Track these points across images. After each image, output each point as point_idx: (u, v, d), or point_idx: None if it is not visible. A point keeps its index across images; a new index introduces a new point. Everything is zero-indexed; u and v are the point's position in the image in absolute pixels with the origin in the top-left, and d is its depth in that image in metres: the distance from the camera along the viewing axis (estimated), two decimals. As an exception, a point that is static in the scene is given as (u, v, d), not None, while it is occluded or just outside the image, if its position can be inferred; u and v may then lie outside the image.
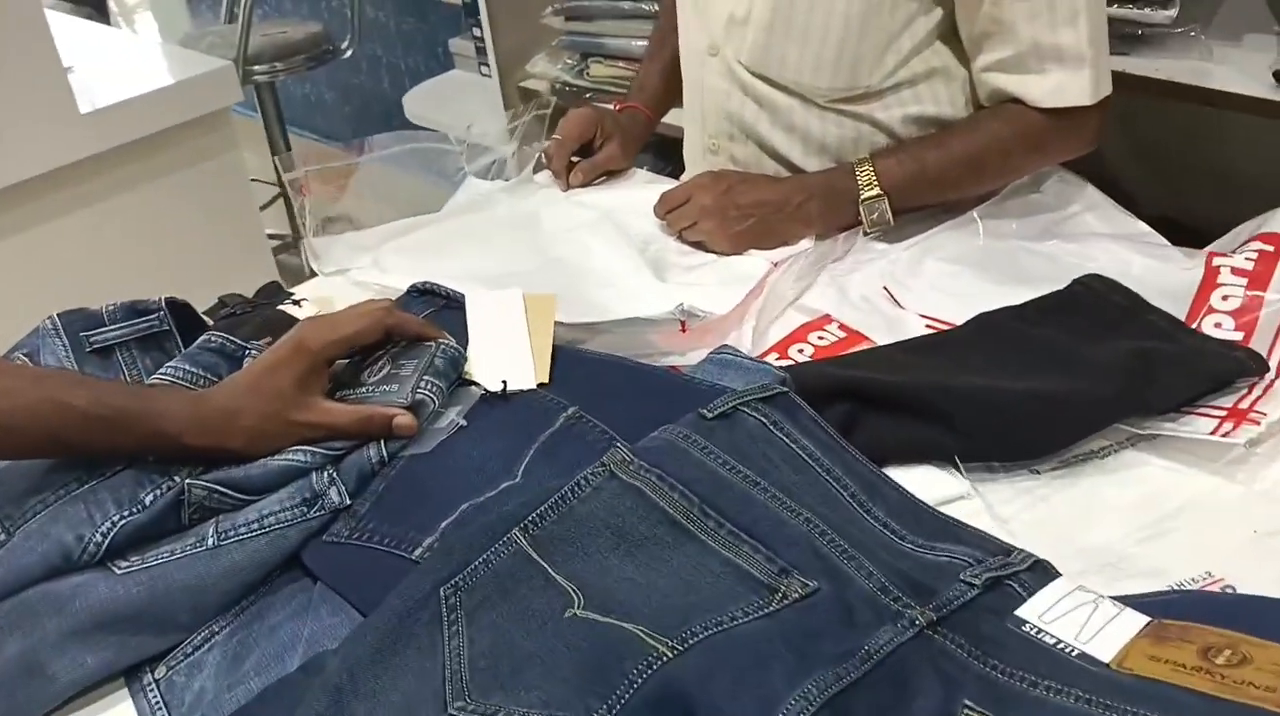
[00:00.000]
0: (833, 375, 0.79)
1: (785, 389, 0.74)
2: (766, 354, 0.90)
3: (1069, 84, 0.99)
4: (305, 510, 0.71)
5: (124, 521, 0.70)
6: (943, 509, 0.74)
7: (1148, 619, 0.58)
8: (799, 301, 0.97)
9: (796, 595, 0.60)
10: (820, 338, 0.91)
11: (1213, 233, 0.96)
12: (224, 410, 0.72)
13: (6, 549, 0.70)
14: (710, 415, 0.71)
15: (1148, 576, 0.66)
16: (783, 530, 0.64)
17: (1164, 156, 1.52)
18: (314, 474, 0.73)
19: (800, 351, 0.90)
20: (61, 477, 0.73)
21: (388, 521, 0.72)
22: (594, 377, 0.81)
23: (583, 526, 0.64)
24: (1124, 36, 1.34)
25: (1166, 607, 0.60)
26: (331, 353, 0.77)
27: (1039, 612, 0.59)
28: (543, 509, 0.65)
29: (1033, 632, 0.58)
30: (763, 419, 0.71)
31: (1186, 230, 1.02)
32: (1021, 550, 0.64)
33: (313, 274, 1.09)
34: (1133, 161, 1.49)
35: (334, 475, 0.73)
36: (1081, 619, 0.58)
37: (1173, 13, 1.32)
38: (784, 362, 0.88)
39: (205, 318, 0.96)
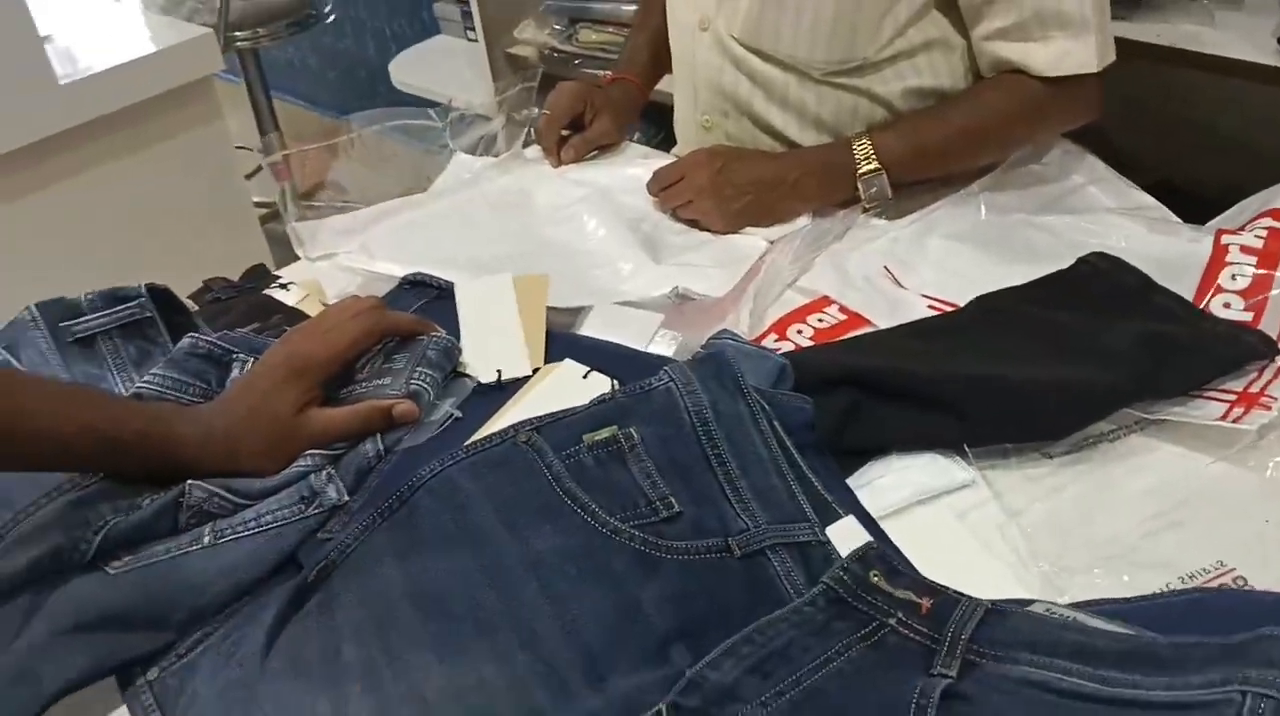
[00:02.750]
0: (835, 362, 0.78)
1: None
2: (764, 335, 0.88)
3: (1073, 51, 0.97)
4: (303, 508, 0.70)
5: (117, 520, 0.68)
6: (948, 497, 0.73)
7: None
8: (797, 282, 0.95)
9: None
10: (820, 320, 0.89)
11: (1214, 200, 0.95)
12: (228, 437, 0.72)
13: (-2, 552, 0.68)
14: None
15: (1157, 567, 0.65)
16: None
17: (1163, 123, 1.49)
18: (313, 473, 0.71)
19: (799, 332, 0.88)
20: (55, 480, 0.71)
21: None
22: (589, 363, 0.79)
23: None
24: (1123, 0, 1.32)
25: (1167, 610, 0.59)
26: (327, 370, 0.76)
27: None
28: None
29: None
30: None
31: (1187, 197, 1.00)
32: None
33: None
34: (1131, 128, 1.47)
35: (332, 473, 0.72)
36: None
37: (1174, -24, 1.29)
38: (782, 344, 0.87)
39: (189, 302, 0.94)
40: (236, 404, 0.73)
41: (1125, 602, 0.59)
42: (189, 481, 0.70)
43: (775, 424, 0.69)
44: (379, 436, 0.74)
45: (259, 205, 2.09)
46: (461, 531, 0.62)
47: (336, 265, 1.01)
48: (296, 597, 0.63)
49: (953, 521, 0.71)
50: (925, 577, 0.59)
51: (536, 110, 1.20)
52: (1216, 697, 0.48)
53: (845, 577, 0.57)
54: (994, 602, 0.56)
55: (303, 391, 0.73)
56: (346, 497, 0.71)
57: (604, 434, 0.67)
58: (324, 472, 0.72)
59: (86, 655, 0.65)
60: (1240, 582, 0.63)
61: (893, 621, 0.56)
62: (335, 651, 0.58)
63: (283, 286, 1.01)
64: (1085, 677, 0.51)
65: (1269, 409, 0.72)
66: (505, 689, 0.54)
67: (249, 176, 2.44)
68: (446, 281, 0.88)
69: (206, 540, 0.68)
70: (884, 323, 0.87)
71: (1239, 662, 0.49)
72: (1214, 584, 0.63)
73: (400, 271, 0.94)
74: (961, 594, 0.57)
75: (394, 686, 0.55)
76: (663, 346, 0.82)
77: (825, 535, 0.64)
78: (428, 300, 0.89)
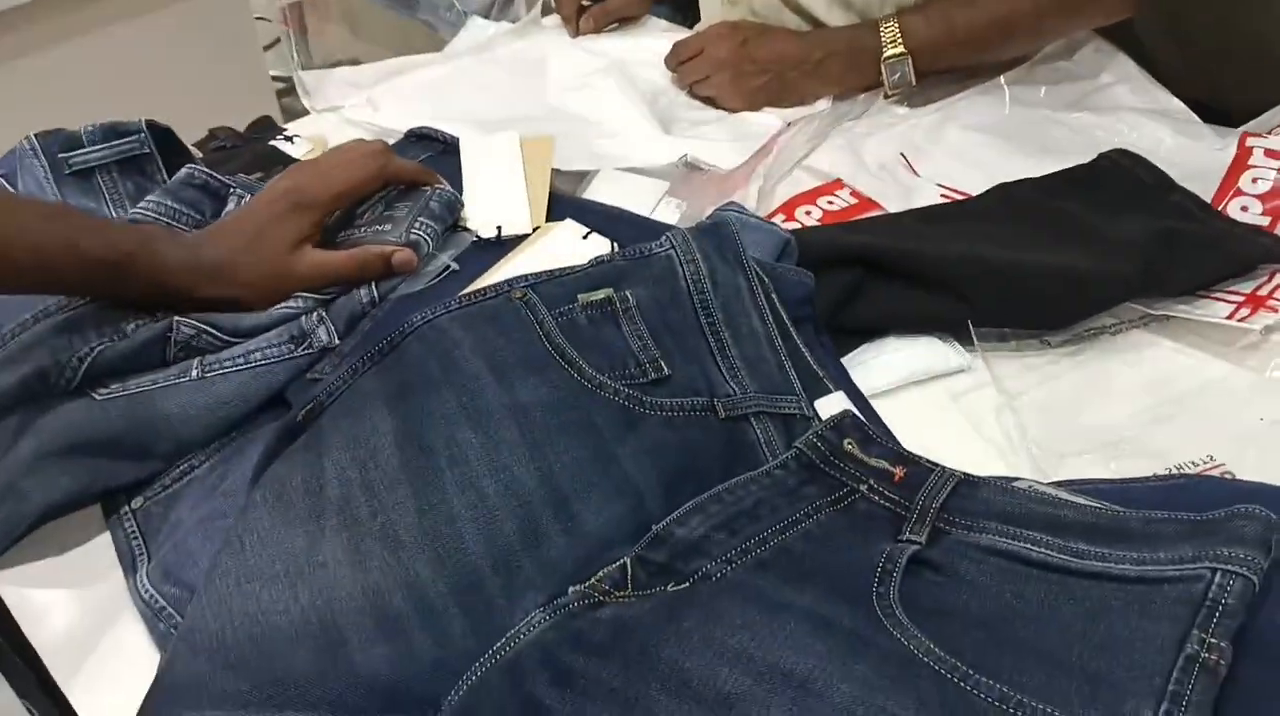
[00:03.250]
0: (840, 241, 0.76)
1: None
2: (773, 215, 0.86)
3: None
4: (293, 347, 0.70)
5: (104, 346, 0.68)
6: (944, 380, 0.72)
7: None
8: (810, 163, 0.93)
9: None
10: (830, 203, 0.87)
11: (1246, 113, 0.92)
12: (220, 263, 0.70)
13: (-17, 371, 0.68)
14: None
15: (1148, 457, 0.65)
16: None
17: (1200, 32, 1.44)
18: (303, 315, 0.71)
19: (808, 213, 0.87)
20: (42, 300, 0.70)
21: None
22: (591, 226, 0.78)
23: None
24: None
25: (1148, 493, 0.58)
26: (329, 209, 0.74)
27: None
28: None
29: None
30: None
31: (1219, 114, 0.97)
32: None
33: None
34: (1166, 37, 1.42)
35: (323, 315, 0.71)
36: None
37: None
38: (790, 225, 0.85)
39: (194, 149, 0.92)
40: (232, 232, 0.72)
41: (1107, 483, 0.58)
42: (176, 317, 0.69)
43: (773, 298, 0.68)
44: (373, 283, 0.73)
45: (276, 79, 2.06)
46: (447, 377, 0.61)
47: (343, 118, 1.00)
48: (285, 435, 0.63)
49: (947, 403, 0.71)
50: (902, 448, 0.58)
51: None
52: (1185, 573, 0.47)
53: (819, 444, 0.57)
54: (967, 475, 0.56)
55: (302, 228, 0.72)
56: (337, 340, 0.70)
57: (599, 295, 0.66)
58: (315, 314, 0.71)
59: (72, 477, 0.65)
60: (1228, 477, 0.63)
61: (864, 488, 0.56)
62: (318, 487, 0.58)
63: (288, 139, 0.99)
64: (1054, 549, 0.51)
65: (1276, 311, 0.71)
66: (475, 521, 0.54)
67: (267, 48, 2.40)
68: (453, 136, 0.87)
69: (194, 373, 0.68)
70: (895, 209, 0.86)
71: (1210, 540, 0.48)
72: (1204, 475, 0.63)
73: (406, 127, 0.92)
74: (936, 464, 0.56)
75: (369, 521, 0.55)
76: (667, 213, 0.81)
77: (812, 409, 0.64)
78: (433, 154, 0.87)
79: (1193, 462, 0.64)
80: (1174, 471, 0.64)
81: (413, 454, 0.57)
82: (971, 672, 0.46)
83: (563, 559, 0.54)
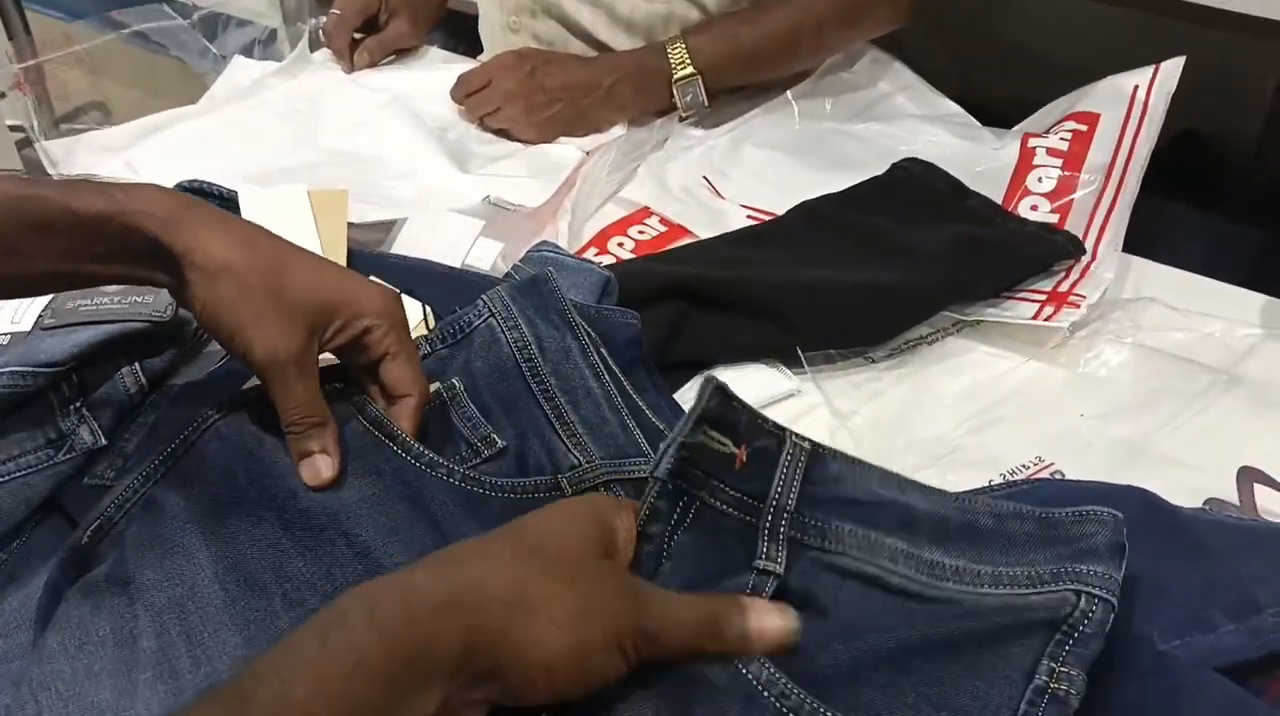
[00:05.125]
0: (660, 273, 0.74)
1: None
2: (585, 249, 0.84)
3: None
4: (52, 453, 0.61)
5: None
6: (774, 407, 0.71)
7: None
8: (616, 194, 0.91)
9: None
10: (641, 232, 0.86)
11: (1014, 112, 0.96)
12: None
13: None
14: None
15: (980, 466, 0.66)
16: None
17: (964, 36, 1.52)
18: (56, 413, 0.62)
19: (620, 245, 0.84)
20: None
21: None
22: (398, 285, 0.73)
23: None
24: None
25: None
26: None
27: None
28: None
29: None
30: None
31: (987, 111, 1.02)
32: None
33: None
34: (933, 40, 1.49)
35: (82, 411, 0.62)
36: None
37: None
38: (603, 258, 0.83)
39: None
40: None
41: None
42: None
43: (603, 353, 0.64)
44: (138, 365, 0.64)
45: (14, 129, 1.87)
46: (259, 486, 0.54)
47: (99, 184, 0.90)
48: (71, 559, 0.54)
49: (782, 430, 0.70)
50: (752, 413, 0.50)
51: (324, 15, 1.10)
52: (1050, 600, 0.46)
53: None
54: (815, 445, 0.50)
55: None
56: (104, 440, 0.62)
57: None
58: (71, 410, 0.62)
59: None
60: (1058, 475, 0.65)
61: (703, 493, 0.49)
62: (130, 637, 0.49)
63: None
64: (912, 567, 0.48)
65: (1077, 307, 0.74)
66: None
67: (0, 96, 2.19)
68: (230, 190, 0.79)
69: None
70: (704, 233, 0.85)
71: (1063, 550, 0.47)
72: (1036, 477, 0.64)
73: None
74: (781, 429, 0.50)
75: (191, 673, 0.48)
76: (484, 254, 0.77)
77: None
78: (208, 215, 0.79)
79: (1023, 465, 0.66)
80: (1008, 475, 0.65)
81: (238, 592, 0.50)
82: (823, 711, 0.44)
83: None
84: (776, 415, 0.70)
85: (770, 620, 0.46)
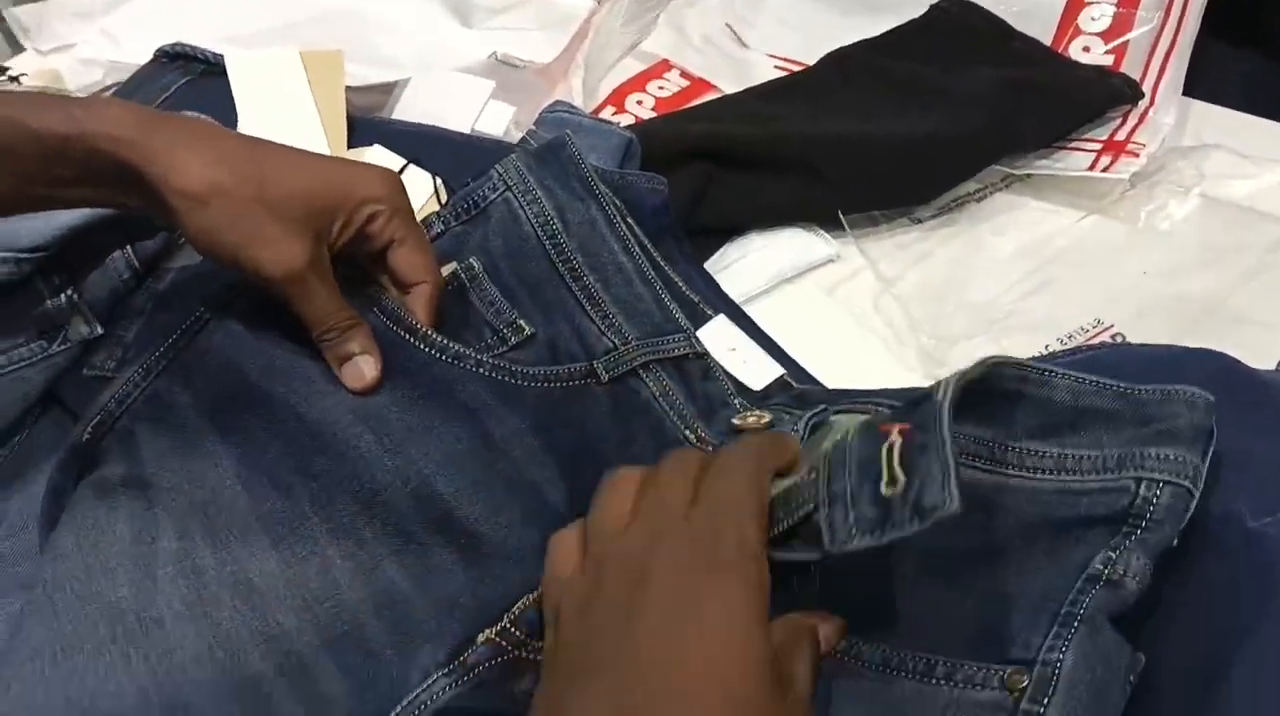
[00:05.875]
0: (684, 132, 0.69)
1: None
2: (601, 108, 0.78)
3: None
4: (46, 345, 0.57)
5: None
6: (813, 274, 0.67)
7: None
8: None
9: None
10: (660, 87, 0.80)
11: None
12: None
13: None
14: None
15: (1035, 330, 0.62)
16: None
17: None
18: (48, 302, 0.57)
19: (639, 103, 0.79)
20: None
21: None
22: (404, 154, 0.67)
23: None
24: None
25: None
26: None
27: None
28: None
29: None
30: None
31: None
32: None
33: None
34: None
35: (74, 301, 0.58)
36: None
37: None
38: (621, 118, 0.77)
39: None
40: None
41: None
42: None
43: (630, 223, 0.59)
44: (129, 247, 0.59)
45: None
46: (272, 382, 0.50)
47: (76, 57, 0.84)
48: (72, 458, 0.51)
49: (821, 297, 0.66)
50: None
51: None
52: (1108, 486, 0.42)
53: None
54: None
55: None
56: (99, 329, 0.58)
57: (444, 272, 0.56)
58: (64, 299, 0.57)
59: None
60: (1119, 339, 0.61)
61: None
62: (150, 539, 0.46)
63: (13, 79, 0.83)
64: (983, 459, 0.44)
65: (1136, 156, 0.69)
66: (353, 570, 0.45)
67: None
68: (216, 54, 0.73)
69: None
70: (729, 87, 0.79)
71: (1140, 433, 0.43)
72: (1096, 342, 0.60)
73: (155, 54, 0.77)
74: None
75: (215, 571, 0.45)
76: (494, 119, 0.71)
77: (700, 343, 0.56)
78: (191, 78, 0.73)
79: (1081, 328, 0.62)
80: (1065, 340, 0.61)
81: (264, 493, 0.46)
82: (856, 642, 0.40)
83: (459, 592, 0.45)
84: (814, 284, 0.67)
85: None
